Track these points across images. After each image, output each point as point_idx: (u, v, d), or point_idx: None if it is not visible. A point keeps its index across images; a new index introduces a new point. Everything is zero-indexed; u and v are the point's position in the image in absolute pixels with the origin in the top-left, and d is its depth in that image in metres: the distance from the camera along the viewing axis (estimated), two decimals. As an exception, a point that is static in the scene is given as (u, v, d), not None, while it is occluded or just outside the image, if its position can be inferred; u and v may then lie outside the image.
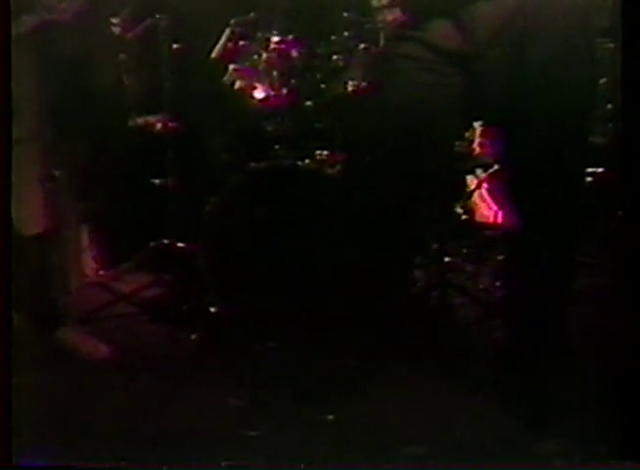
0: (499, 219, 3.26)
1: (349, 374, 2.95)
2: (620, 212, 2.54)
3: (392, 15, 2.99)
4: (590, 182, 3.70)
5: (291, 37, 3.39)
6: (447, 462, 2.51)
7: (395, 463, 2.51)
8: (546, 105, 2.63)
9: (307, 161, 3.31)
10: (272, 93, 3.37)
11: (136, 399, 2.89)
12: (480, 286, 3.61)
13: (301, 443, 2.59)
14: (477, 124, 3.40)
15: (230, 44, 3.51)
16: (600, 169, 3.76)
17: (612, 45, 3.52)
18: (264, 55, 3.39)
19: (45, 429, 2.60)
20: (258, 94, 3.38)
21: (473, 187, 3.71)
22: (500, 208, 3.00)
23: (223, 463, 2.46)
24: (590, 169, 3.69)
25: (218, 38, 3.53)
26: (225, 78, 3.47)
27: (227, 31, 3.52)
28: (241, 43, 3.49)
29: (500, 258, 3.19)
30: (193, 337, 3.29)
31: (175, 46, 3.68)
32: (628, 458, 2.35)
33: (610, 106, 3.71)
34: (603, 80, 3.59)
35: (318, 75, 3.43)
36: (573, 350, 2.84)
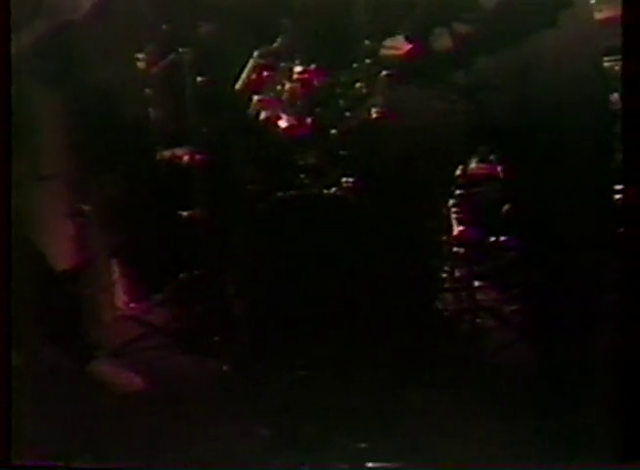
0: (519, 242, 3.25)
1: (382, 402, 2.95)
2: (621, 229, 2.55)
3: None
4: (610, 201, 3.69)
5: (313, 66, 3.42)
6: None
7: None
8: (556, 125, 2.65)
9: (333, 189, 3.32)
10: (296, 122, 3.39)
11: (168, 430, 2.91)
12: (506, 308, 3.59)
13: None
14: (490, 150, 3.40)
15: (254, 75, 3.54)
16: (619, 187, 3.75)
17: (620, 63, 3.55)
18: (288, 85, 3.41)
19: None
20: (283, 124, 3.41)
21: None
22: (520, 230, 3.00)
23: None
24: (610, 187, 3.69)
25: (242, 70, 3.57)
26: (250, 109, 3.50)
27: (250, 63, 3.56)
28: (264, 74, 3.52)
29: (523, 279, 3.19)
30: (225, 367, 3.31)
31: (200, 79, 3.72)
32: (629, 459, 2.34)
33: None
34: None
35: (342, 103, 3.45)
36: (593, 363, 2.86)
